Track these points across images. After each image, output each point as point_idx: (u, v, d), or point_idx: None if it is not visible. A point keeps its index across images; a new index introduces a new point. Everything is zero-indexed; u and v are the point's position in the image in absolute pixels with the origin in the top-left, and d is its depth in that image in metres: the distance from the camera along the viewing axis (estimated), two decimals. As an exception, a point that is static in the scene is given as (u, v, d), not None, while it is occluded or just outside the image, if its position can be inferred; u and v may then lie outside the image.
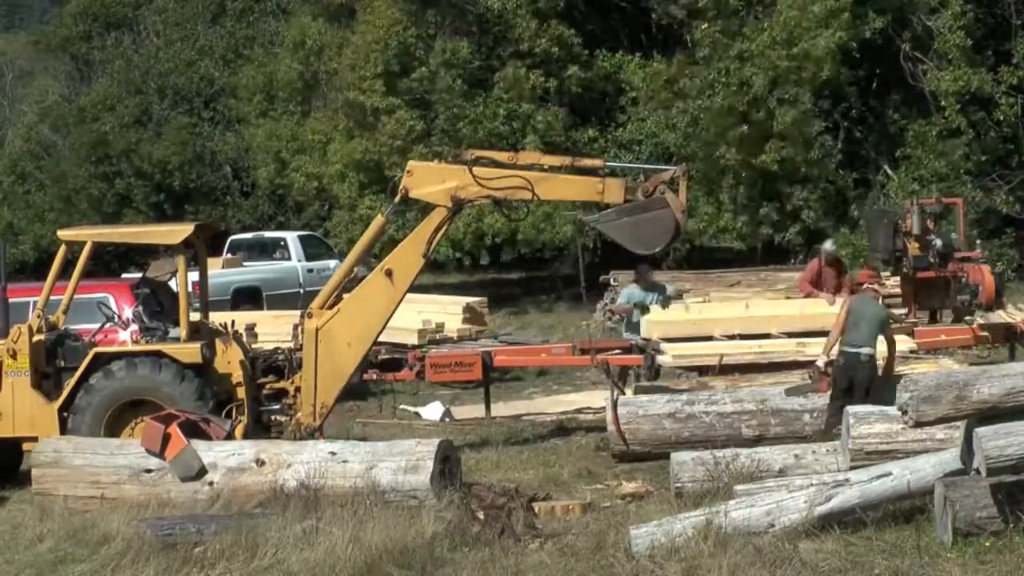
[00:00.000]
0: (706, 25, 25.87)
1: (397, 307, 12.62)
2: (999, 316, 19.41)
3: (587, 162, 12.89)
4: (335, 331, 12.23)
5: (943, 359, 15.16)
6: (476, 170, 12.24)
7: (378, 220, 12.73)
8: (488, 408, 15.41)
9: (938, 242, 15.28)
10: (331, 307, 12.44)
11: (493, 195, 12.42)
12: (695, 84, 25.65)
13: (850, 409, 9.80)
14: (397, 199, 12.45)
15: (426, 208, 12.80)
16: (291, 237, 27.95)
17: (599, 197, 12.48)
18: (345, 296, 12.68)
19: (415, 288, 20.24)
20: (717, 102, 24.97)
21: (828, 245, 16.85)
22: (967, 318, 15.37)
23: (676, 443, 11.72)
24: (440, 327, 19.38)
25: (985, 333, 15.53)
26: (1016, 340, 15.55)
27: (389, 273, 12.28)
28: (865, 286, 12.56)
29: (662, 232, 12.15)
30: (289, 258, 26.91)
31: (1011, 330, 15.48)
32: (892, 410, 8.99)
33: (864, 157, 26.75)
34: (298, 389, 12.33)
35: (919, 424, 8.06)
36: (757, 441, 11.69)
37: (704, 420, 12.04)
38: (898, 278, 22.35)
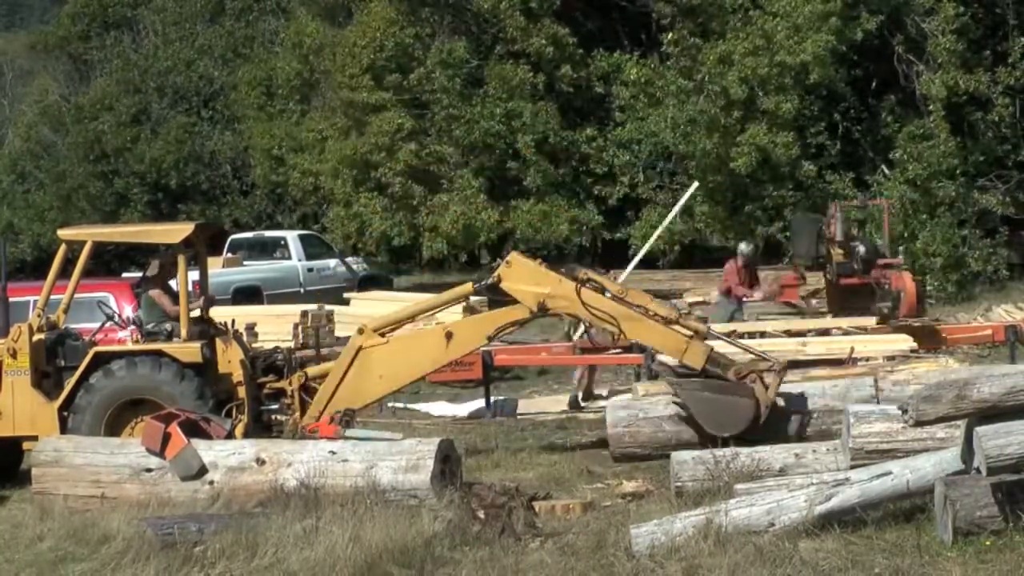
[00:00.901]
0: (671, 35, 25.98)
1: (438, 368, 12.56)
2: (999, 315, 19.47)
3: (693, 324, 12.07)
4: (375, 359, 12.12)
5: (943, 358, 15.18)
6: (586, 295, 11.82)
7: (467, 287, 12.51)
8: (488, 406, 15.41)
9: (861, 248, 15.26)
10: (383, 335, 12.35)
11: (578, 315, 12.23)
12: (670, 90, 25.77)
13: (850, 408, 9.81)
14: (489, 282, 12.16)
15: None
16: (291, 236, 28.00)
17: (679, 356, 11.89)
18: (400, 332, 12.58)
19: (415, 288, 20.20)
20: (691, 111, 25.12)
21: (743, 246, 16.88)
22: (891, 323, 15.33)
23: (676, 445, 11.55)
24: (440, 326, 19.35)
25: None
26: (1017, 340, 15.57)
27: (449, 336, 12.17)
28: None
29: (738, 421, 11.34)
30: (289, 257, 26.94)
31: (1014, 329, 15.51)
32: (892, 409, 9.00)
33: (861, 157, 26.82)
34: (301, 388, 12.31)
35: (919, 423, 8.06)
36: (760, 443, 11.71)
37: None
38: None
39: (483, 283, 12.25)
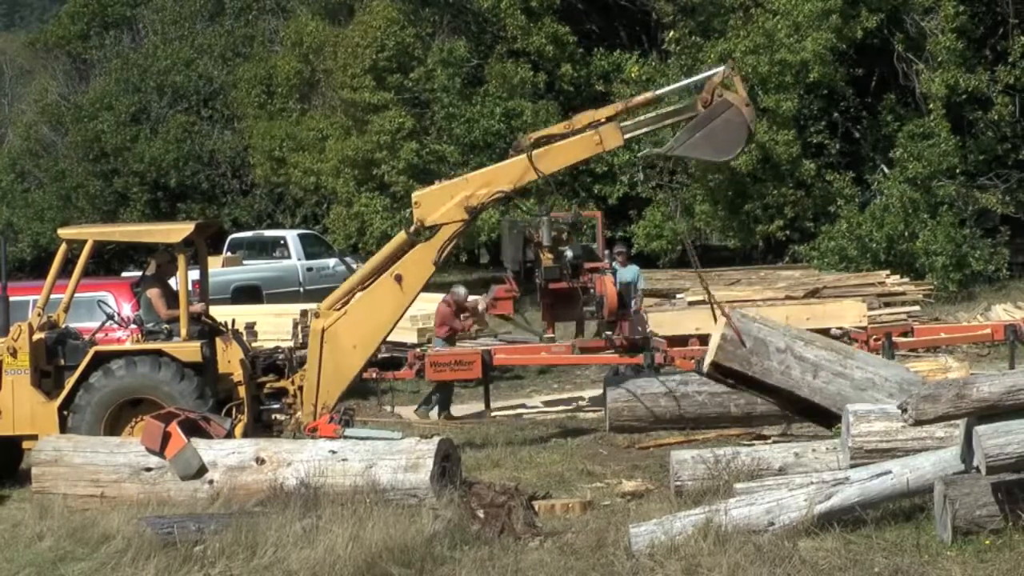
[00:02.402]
0: (672, 33, 25.99)
1: (404, 312, 12.60)
2: (999, 314, 19.49)
3: (640, 99, 12.86)
4: (341, 332, 12.22)
5: (944, 357, 15.21)
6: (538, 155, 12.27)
7: (400, 236, 12.64)
8: (488, 406, 15.43)
9: (569, 253, 15.31)
10: (340, 309, 12.42)
11: (503, 190, 12.41)
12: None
13: (850, 407, 9.81)
14: (412, 229, 12.38)
15: None
16: (291, 236, 28.01)
17: (600, 148, 12.47)
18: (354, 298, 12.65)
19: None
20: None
21: (459, 289, 17.11)
22: (607, 333, 15.42)
23: (671, 420, 12.77)
24: (440, 326, 19.34)
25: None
26: (1017, 339, 15.55)
27: (399, 278, 12.25)
28: None
29: (737, 131, 12.10)
30: (289, 256, 26.94)
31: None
32: (892, 408, 9.00)
33: (862, 156, 26.82)
34: (300, 388, 12.32)
35: (919, 422, 8.06)
36: (745, 418, 12.58)
37: (696, 399, 12.81)
38: (897, 277, 22.48)
39: (412, 230, 12.41)
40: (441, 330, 16.71)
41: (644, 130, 12.80)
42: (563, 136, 12.47)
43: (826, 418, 11.17)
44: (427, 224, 12.36)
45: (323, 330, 12.24)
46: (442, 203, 12.33)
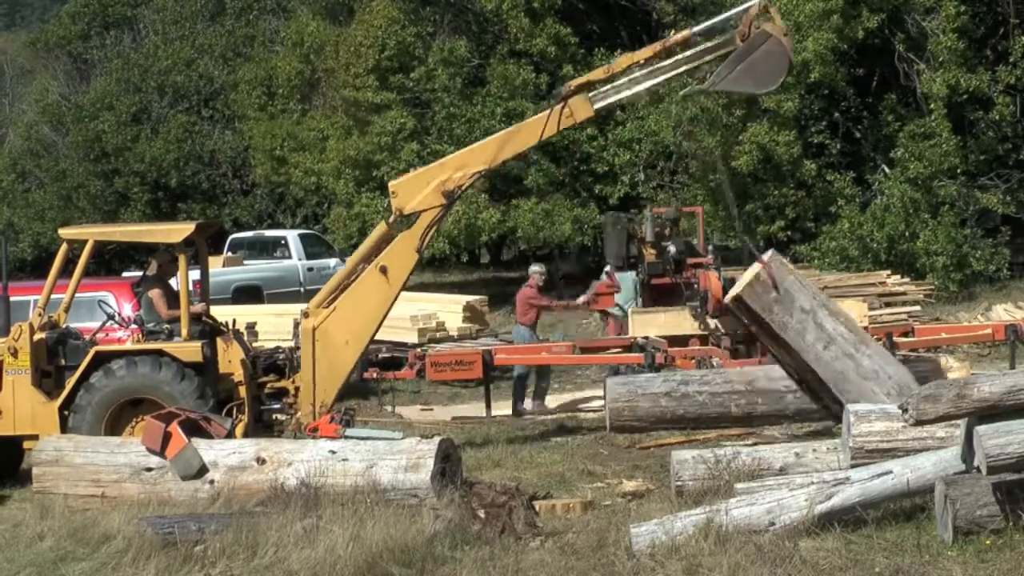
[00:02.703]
0: (673, 31, 25.97)
1: (393, 303, 12.59)
2: (1000, 314, 19.49)
3: (678, 37, 12.70)
4: (332, 330, 12.23)
5: (944, 357, 15.21)
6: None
7: (381, 227, 12.67)
8: (488, 407, 15.43)
9: (672, 248, 15.27)
10: (328, 306, 12.43)
11: (478, 170, 12.39)
12: (672, 88, 25.76)
13: (851, 407, 9.81)
14: (393, 219, 12.40)
15: None
16: (291, 235, 28.02)
17: (571, 121, 12.39)
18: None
19: (416, 287, 20.22)
20: (693, 109, 25.11)
21: (535, 267, 17.05)
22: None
23: (671, 420, 12.72)
24: (441, 326, 19.39)
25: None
26: (1017, 339, 15.56)
27: (384, 270, 12.26)
28: None
29: (778, 61, 11.96)
30: (289, 256, 26.95)
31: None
32: (893, 408, 8.99)
33: (863, 156, 26.81)
34: (299, 388, 12.33)
35: (920, 422, 8.06)
36: (745, 418, 12.57)
37: (697, 399, 12.75)
38: (898, 277, 22.48)
39: (392, 220, 12.43)
40: (525, 316, 16.51)
41: (623, 95, 12.61)
42: (606, 81, 12.37)
43: (817, 394, 11.18)
44: (406, 212, 12.37)
45: (313, 329, 12.24)
46: (419, 190, 12.32)
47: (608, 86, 12.39)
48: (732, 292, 11.29)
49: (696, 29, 12.81)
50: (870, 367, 11.08)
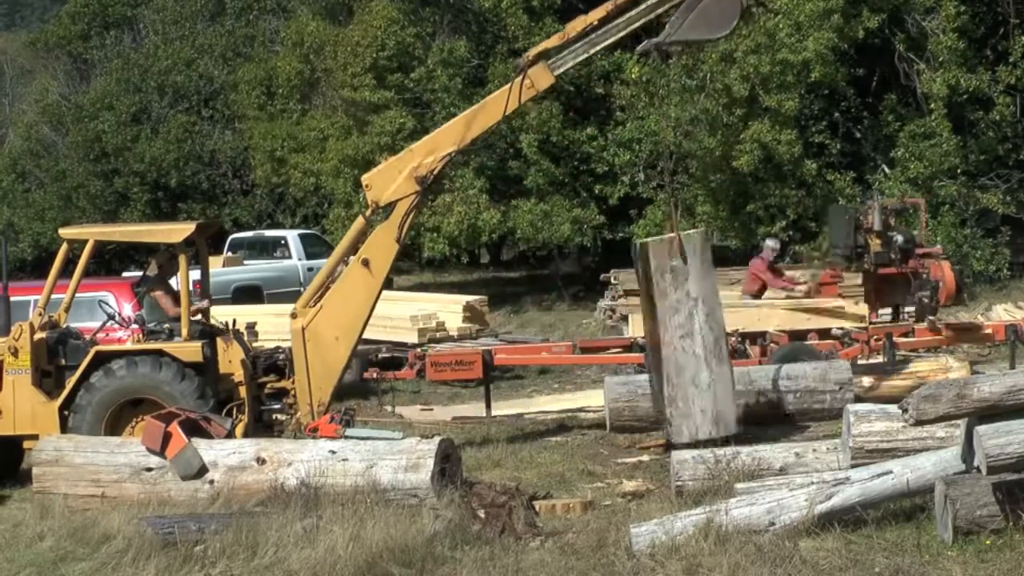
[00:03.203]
0: None
1: (379, 295, 12.56)
2: (1000, 315, 19.47)
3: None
4: (321, 328, 12.22)
5: (944, 357, 15.21)
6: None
7: (359, 222, 12.70)
8: (488, 407, 15.42)
9: (899, 238, 15.24)
10: (314, 305, 12.43)
11: (448, 152, 12.36)
12: (672, 88, 25.77)
13: (851, 407, 9.83)
14: (369, 212, 12.42)
15: None
16: (291, 235, 28.02)
17: (533, 91, 12.37)
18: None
19: (416, 287, 20.16)
20: (693, 109, 25.10)
21: (769, 241, 16.93)
22: (930, 317, 15.38)
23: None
24: (441, 326, 19.39)
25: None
26: (1018, 339, 15.57)
27: (366, 263, 12.26)
28: None
29: (730, 3, 11.97)
30: (289, 256, 26.96)
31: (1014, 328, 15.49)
32: (893, 408, 9.00)
33: (863, 156, 26.80)
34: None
35: (920, 422, 8.06)
36: (745, 418, 12.29)
37: None
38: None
39: (369, 213, 12.44)
40: (750, 287, 16.47)
41: (581, 58, 12.60)
42: (562, 48, 12.37)
43: (654, 366, 11.81)
44: (382, 204, 12.36)
45: (303, 329, 12.24)
46: (392, 180, 12.30)
47: (566, 51, 12.40)
48: (648, 239, 11.65)
49: None
50: (705, 380, 11.55)
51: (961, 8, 24.72)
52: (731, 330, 15.50)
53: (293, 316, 12.40)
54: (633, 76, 27.17)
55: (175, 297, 12.45)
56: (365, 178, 12.62)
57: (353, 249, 12.54)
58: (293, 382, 12.43)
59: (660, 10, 12.35)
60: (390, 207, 12.32)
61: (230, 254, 26.73)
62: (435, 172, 12.38)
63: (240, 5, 40.67)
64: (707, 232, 12.03)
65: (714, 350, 11.60)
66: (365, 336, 16.48)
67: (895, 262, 14.89)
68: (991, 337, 15.90)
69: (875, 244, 14.99)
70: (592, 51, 12.56)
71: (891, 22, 25.63)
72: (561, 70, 12.47)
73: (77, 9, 44.90)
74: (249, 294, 24.19)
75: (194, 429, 10.63)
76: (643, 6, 12.42)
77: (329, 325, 12.21)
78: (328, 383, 12.19)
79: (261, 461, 10.17)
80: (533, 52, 12.50)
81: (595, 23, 12.37)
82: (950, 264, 15.82)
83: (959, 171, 24.89)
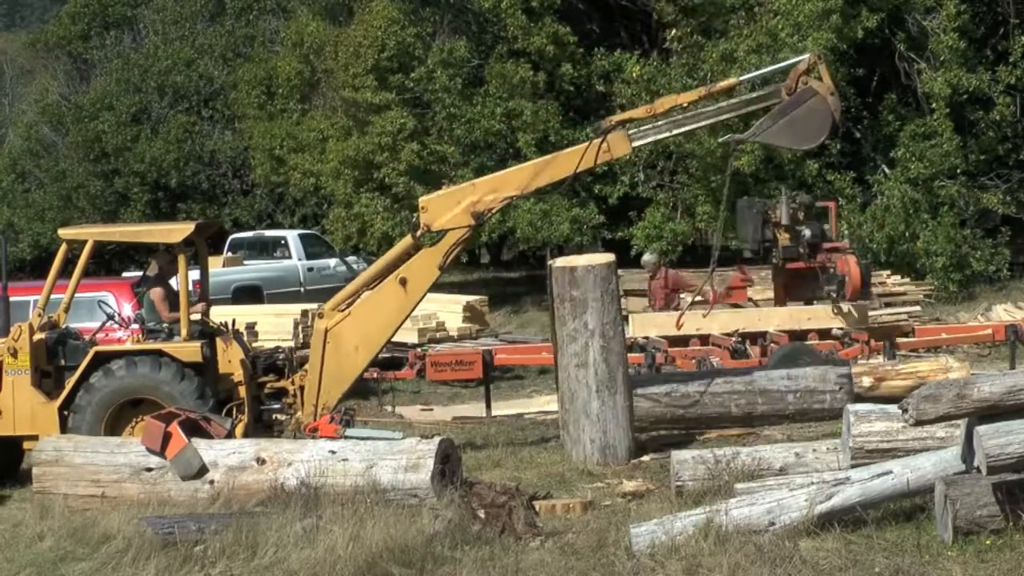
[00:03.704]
0: (674, 31, 25.99)
1: (408, 316, 12.59)
2: (1000, 315, 19.49)
3: (723, 84, 12.65)
4: (344, 333, 12.20)
5: (945, 358, 15.21)
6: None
7: (406, 240, 12.61)
8: (488, 407, 15.43)
9: (807, 232, 15.25)
10: (344, 310, 12.41)
11: (510, 195, 12.36)
12: (672, 88, 25.76)
13: (851, 407, 9.83)
14: (419, 233, 12.33)
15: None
16: (291, 236, 28.03)
17: (608, 156, 12.29)
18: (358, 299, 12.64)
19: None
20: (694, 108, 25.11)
21: (648, 257, 16.93)
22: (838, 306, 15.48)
23: (671, 420, 12.76)
24: (441, 326, 19.39)
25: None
26: (1018, 339, 15.59)
27: (403, 282, 12.22)
28: None
29: (821, 120, 11.84)
30: (289, 257, 26.96)
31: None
32: (893, 408, 9.00)
33: (863, 157, 26.81)
34: (301, 388, 12.33)
35: (920, 422, 8.05)
36: (745, 418, 12.57)
37: (697, 399, 12.73)
38: (897, 277, 22.48)
39: (419, 234, 12.38)
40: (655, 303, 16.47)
41: (663, 136, 12.63)
42: (647, 120, 12.37)
43: None
44: (434, 229, 12.30)
45: (326, 330, 12.23)
46: (449, 209, 12.25)
47: (648, 125, 12.39)
48: (558, 261, 12.04)
49: (743, 78, 12.98)
50: (595, 411, 11.81)
51: (961, 8, 24.72)
52: (731, 330, 15.55)
53: (320, 316, 12.39)
54: (633, 75, 27.18)
55: (173, 300, 12.43)
56: (423, 200, 12.50)
57: (396, 265, 12.52)
58: (292, 382, 12.43)
59: (751, 108, 12.35)
60: (440, 234, 12.28)
61: (230, 254, 26.73)
62: (492, 211, 12.40)
63: (240, 5, 40.67)
64: (612, 264, 12.09)
65: (607, 382, 11.86)
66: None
67: (803, 256, 14.91)
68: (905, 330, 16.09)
69: (783, 239, 15.01)
70: (675, 132, 12.69)
71: (891, 22, 25.64)
72: (640, 143, 12.50)
73: (77, 9, 44.89)
74: (249, 294, 24.19)
75: (194, 429, 10.63)
76: (736, 100, 12.45)
77: (353, 333, 12.20)
78: (338, 388, 12.18)
79: (261, 461, 10.17)
80: (617, 118, 12.46)
81: (684, 104, 12.38)
82: (856, 259, 15.83)
83: (959, 171, 24.89)
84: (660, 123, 12.36)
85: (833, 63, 24.89)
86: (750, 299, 17.51)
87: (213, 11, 41.65)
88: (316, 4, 33.07)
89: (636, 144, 12.40)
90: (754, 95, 12.52)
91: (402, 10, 28.71)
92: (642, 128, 12.45)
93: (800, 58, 12.34)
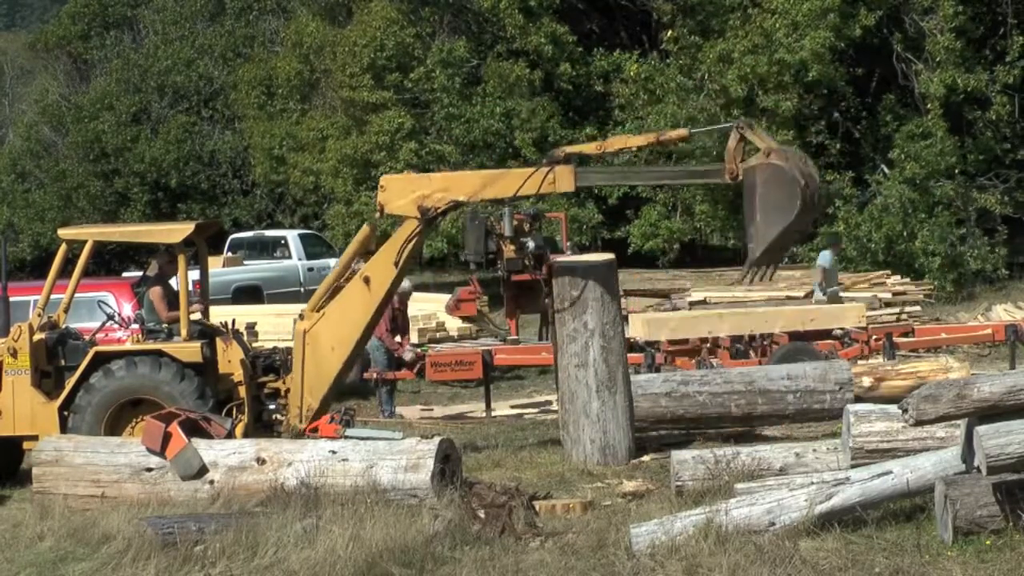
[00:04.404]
0: (671, 32, 26.01)
1: (379, 313, 12.58)
2: (1000, 315, 19.49)
3: (673, 134, 12.53)
4: (320, 334, 12.25)
5: (944, 358, 15.22)
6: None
7: (366, 228, 12.71)
8: (488, 407, 15.42)
9: (531, 244, 15.27)
10: (320, 310, 12.46)
11: (456, 199, 12.33)
12: (669, 88, 25.79)
13: (851, 407, 9.82)
14: (378, 215, 12.43)
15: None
16: (291, 235, 28.02)
17: (552, 188, 12.23)
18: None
19: (416, 287, 20.21)
20: (691, 109, 25.12)
21: (405, 285, 16.90)
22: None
23: (671, 420, 12.75)
24: (441, 326, 19.40)
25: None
26: (1018, 339, 15.58)
27: (367, 280, 12.29)
28: None
29: (784, 184, 11.23)
30: (290, 256, 26.95)
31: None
32: (893, 408, 9.00)
33: (863, 157, 26.81)
34: (289, 389, 12.35)
35: (919, 422, 8.05)
36: (745, 418, 12.61)
37: (697, 399, 12.68)
38: (897, 277, 22.49)
39: (378, 216, 12.57)
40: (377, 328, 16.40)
41: (606, 184, 12.66)
42: (598, 157, 12.38)
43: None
44: (387, 211, 12.36)
45: (305, 332, 12.27)
46: (404, 195, 12.25)
47: (596, 169, 12.37)
48: (558, 260, 11.99)
49: (693, 131, 12.96)
50: (595, 411, 11.83)
51: (959, 8, 24.72)
52: (738, 333, 15.56)
53: (301, 317, 12.43)
54: (632, 75, 27.19)
55: (172, 299, 12.42)
56: (384, 179, 12.54)
57: (358, 254, 12.56)
58: (284, 383, 12.45)
59: (692, 181, 12.33)
60: (396, 220, 12.32)
61: (230, 254, 26.72)
62: (438, 211, 12.36)
63: (240, 5, 40.67)
64: (612, 264, 12.06)
65: (607, 382, 11.88)
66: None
67: (528, 268, 14.95)
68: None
69: (508, 250, 15.02)
70: (617, 183, 12.65)
71: (890, 22, 25.64)
72: (584, 184, 12.49)
73: (77, 9, 44.89)
74: (249, 294, 24.18)
75: (194, 429, 10.63)
76: (679, 168, 12.49)
77: (328, 334, 12.25)
78: (319, 389, 12.19)
79: (261, 461, 10.17)
80: (567, 150, 12.41)
81: (634, 149, 12.39)
82: None
83: (957, 171, 24.89)
84: (610, 172, 12.36)
85: (831, 62, 24.94)
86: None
87: (213, 11, 41.64)
88: (316, 4, 33.08)
89: (579, 184, 12.32)
90: (698, 168, 12.58)
91: (401, 10, 28.72)
92: (589, 170, 12.44)
93: (729, 124, 12.14)
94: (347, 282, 12.69)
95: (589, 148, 12.62)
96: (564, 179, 12.07)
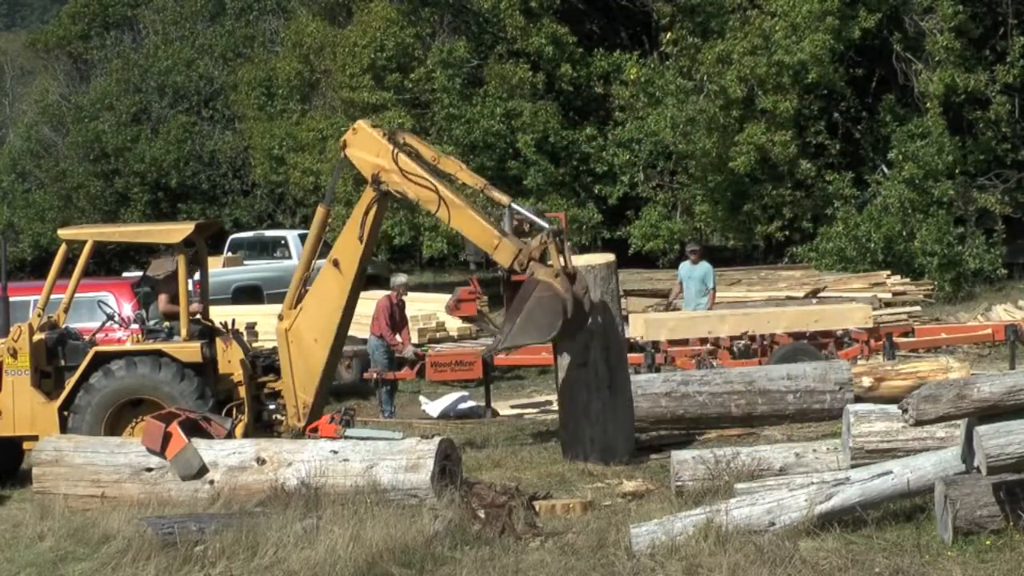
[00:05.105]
0: (670, 34, 26.02)
1: (354, 295, 12.50)
2: (1000, 315, 19.49)
3: (495, 195, 12.26)
4: (302, 329, 12.26)
5: (944, 358, 15.21)
6: (401, 159, 12.01)
7: (320, 211, 12.71)
8: (488, 406, 15.42)
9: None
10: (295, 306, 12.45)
11: (406, 193, 12.25)
12: (669, 89, 25.79)
13: (851, 407, 9.83)
14: (340, 152, 12.32)
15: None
16: (291, 236, 28.03)
17: (491, 251, 12.00)
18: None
19: (416, 287, 20.23)
20: (691, 110, 25.12)
21: (401, 279, 16.86)
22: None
23: (671, 420, 12.78)
24: (441, 326, 19.39)
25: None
26: (1017, 339, 15.58)
27: (336, 263, 12.33)
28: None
29: (551, 307, 11.29)
30: (289, 256, 26.96)
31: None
32: (893, 408, 9.00)
33: (862, 157, 26.82)
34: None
35: (920, 422, 8.05)
36: (745, 418, 12.61)
37: (697, 399, 12.73)
38: (897, 277, 22.48)
39: (331, 186, 12.96)
40: (375, 326, 16.22)
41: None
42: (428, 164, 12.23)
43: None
44: (345, 153, 12.29)
45: (286, 331, 12.26)
46: (366, 150, 12.18)
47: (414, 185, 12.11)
48: (578, 260, 11.97)
49: (513, 205, 12.38)
50: (596, 411, 11.82)
51: (959, 8, 24.72)
52: (740, 332, 15.56)
53: (280, 318, 12.42)
54: (632, 76, 27.19)
55: (172, 295, 12.42)
56: (359, 123, 12.39)
57: (319, 241, 12.56)
58: (280, 382, 12.45)
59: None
60: (349, 164, 12.29)
61: (230, 254, 26.74)
62: (389, 192, 12.23)
63: (240, 5, 40.66)
64: (612, 264, 12.07)
65: (608, 382, 11.86)
66: (366, 336, 16.51)
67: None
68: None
69: None
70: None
71: (889, 22, 25.64)
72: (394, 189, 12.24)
73: (77, 9, 44.90)
74: (249, 294, 24.19)
75: (194, 429, 10.63)
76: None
77: (309, 327, 12.25)
78: (311, 385, 12.18)
79: (261, 461, 10.17)
80: (464, 179, 12.36)
81: (458, 181, 12.38)
82: None
83: (956, 171, 24.89)
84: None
85: (830, 64, 24.95)
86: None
87: (213, 11, 41.64)
88: (316, 5, 33.08)
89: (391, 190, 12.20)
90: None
91: (401, 10, 28.72)
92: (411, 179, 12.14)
93: (540, 230, 11.93)
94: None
95: (427, 153, 12.36)
96: (504, 253, 11.86)
